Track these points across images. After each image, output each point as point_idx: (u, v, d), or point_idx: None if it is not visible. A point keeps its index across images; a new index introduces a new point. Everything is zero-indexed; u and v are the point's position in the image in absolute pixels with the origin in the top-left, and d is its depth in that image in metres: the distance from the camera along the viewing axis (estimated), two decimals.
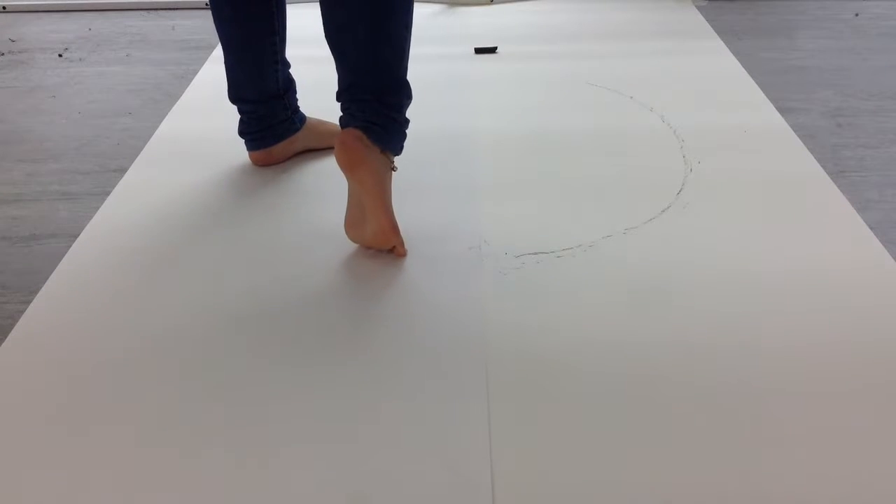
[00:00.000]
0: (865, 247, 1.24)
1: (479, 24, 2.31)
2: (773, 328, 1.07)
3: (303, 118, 1.50)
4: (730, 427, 0.92)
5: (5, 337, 1.07)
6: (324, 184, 1.43)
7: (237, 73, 1.40)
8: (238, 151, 1.50)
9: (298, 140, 1.50)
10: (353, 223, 1.20)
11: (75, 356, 1.04)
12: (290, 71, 1.45)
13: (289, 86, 1.44)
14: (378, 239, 1.18)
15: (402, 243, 1.20)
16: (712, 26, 2.24)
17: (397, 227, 1.18)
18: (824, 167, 1.47)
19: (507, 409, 0.94)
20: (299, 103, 1.49)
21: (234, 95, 1.42)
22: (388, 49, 1.13)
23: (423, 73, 1.94)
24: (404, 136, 1.19)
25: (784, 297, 1.13)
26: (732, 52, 2.04)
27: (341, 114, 1.16)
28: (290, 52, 1.44)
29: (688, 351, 1.03)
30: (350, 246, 1.25)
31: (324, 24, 1.14)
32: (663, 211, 1.34)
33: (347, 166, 1.13)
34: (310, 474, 0.86)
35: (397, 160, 1.20)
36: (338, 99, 1.17)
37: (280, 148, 1.48)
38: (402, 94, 1.17)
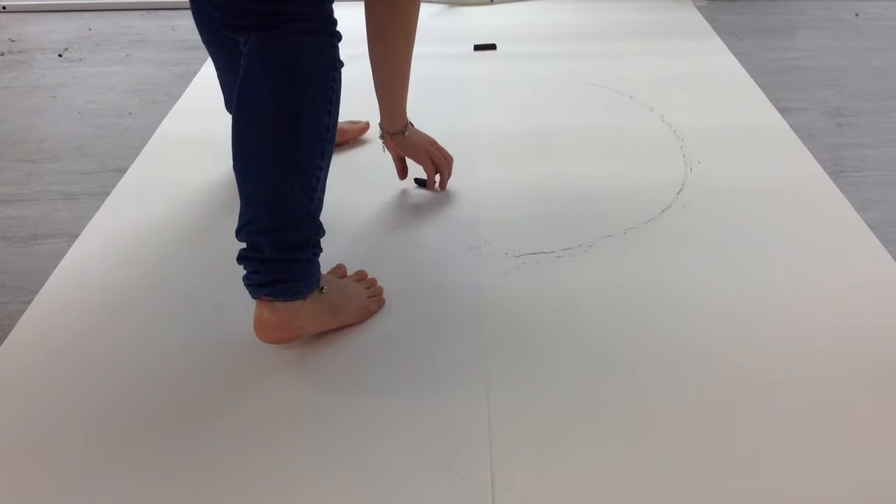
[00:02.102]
0: (865, 247, 1.24)
1: (479, 24, 2.31)
2: (773, 328, 1.07)
3: None
4: (730, 427, 0.92)
5: (5, 337, 1.07)
6: None
7: (229, 87, 1.39)
8: None
9: None
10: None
11: (75, 356, 1.04)
12: None
13: None
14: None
15: (377, 306, 1.11)
16: (712, 26, 2.24)
17: (371, 310, 1.10)
18: (824, 167, 1.47)
19: (507, 409, 0.94)
20: None
21: (229, 106, 1.42)
22: (298, 180, 0.96)
23: (423, 73, 1.94)
24: (317, 266, 1.03)
25: (784, 296, 1.13)
26: (732, 52, 2.04)
27: (239, 264, 0.99)
28: None
29: (688, 350, 1.03)
30: (348, 246, 1.25)
31: (232, 154, 0.99)
32: (663, 211, 1.34)
33: (278, 343, 1.02)
34: (309, 474, 0.87)
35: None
36: (236, 236, 0.99)
37: None
38: (310, 230, 1.00)
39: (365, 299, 1.10)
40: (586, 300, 1.13)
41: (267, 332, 0.99)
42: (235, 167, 0.99)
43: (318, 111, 0.98)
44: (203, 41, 1.35)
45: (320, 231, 1.02)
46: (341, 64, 1.01)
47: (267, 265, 0.97)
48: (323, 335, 1.06)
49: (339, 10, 1.02)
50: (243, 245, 0.99)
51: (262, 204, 0.96)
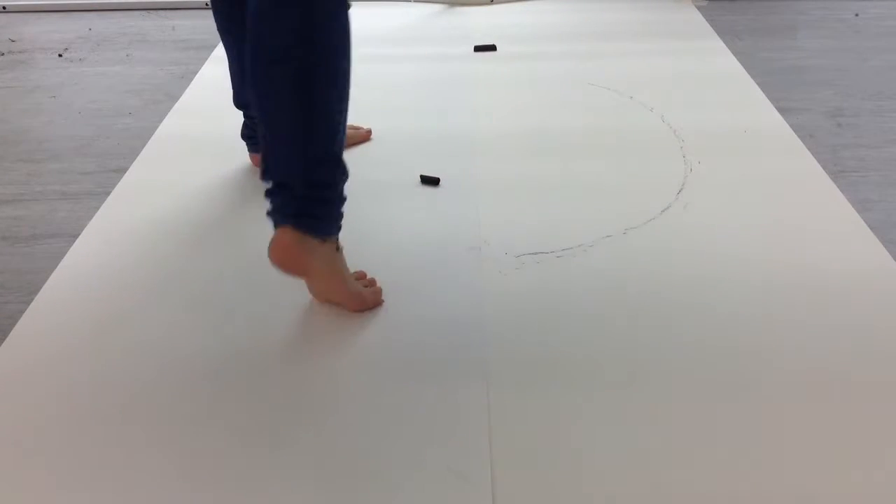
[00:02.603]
0: (865, 247, 1.24)
1: (479, 24, 2.31)
2: (774, 328, 1.07)
3: None
4: (730, 426, 0.92)
5: (5, 337, 1.07)
6: None
7: (238, 78, 1.40)
8: (238, 152, 1.50)
9: None
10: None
11: (75, 356, 1.04)
12: None
13: None
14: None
15: (375, 301, 1.12)
16: (712, 26, 2.24)
17: (368, 303, 1.11)
18: (824, 167, 1.47)
19: (507, 409, 0.94)
20: None
21: (237, 100, 1.43)
22: (322, 124, 1.01)
23: (424, 73, 1.95)
24: (340, 215, 1.07)
25: (784, 296, 1.13)
26: (732, 52, 2.04)
27: (268, 205, 1.04)
28: None
29: (687, 350, 1.03)
30: (348, 246, 1.24)
31: (253, 95, 1.04)
32: (663, 211, 1.34)
33: (287, 270, 1.05)
34: (309, 474, 0.87)
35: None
36: (261, 177, 1.04)
37: None
38: (337, 170, 1.04)
39: (363, 289, 1.12)
40: (586, 300, 1.13)
41: (279, 254, 1.03)
42: (259, 112, 1.03)
43: (336, 53, 0.99)
44: (218, 28, 1.36)
45: (345, 173, 1.06)
46: (349, 6, 1.01)
47: (295, 200, 1.01)
48: (324, 334, 1.06)
49: None
50: (268, 186, 1.03)
51: (287, 149, 1.01)
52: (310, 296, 1.11)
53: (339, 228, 1.07)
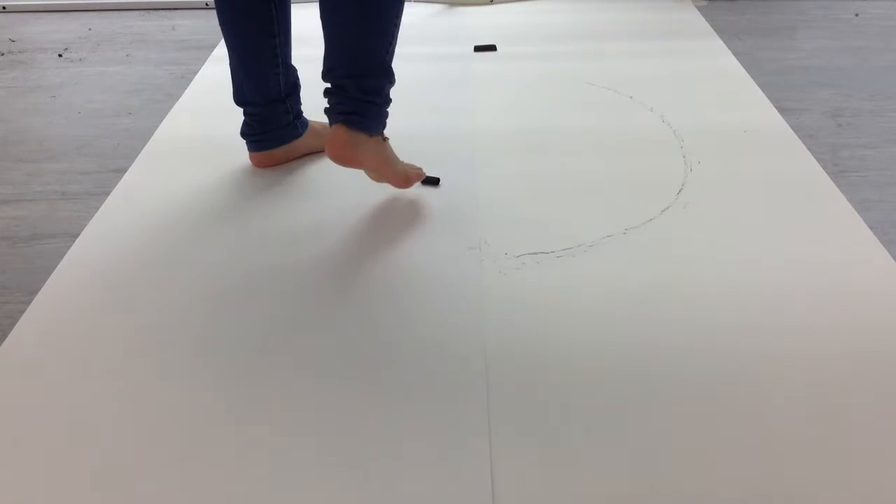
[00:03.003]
0: (865, 247, 1.24)
1: (479, 24, 2.31)
2: (774, 328, 1.07)
3: (305, 123, 1.50)
4: (730, 426, 0.92)
5: (5, 337, 1.07)
6: (324, 184, 1.43)
7: (239, 75, 1.40)
8: (238, 152, 1.50)
9: (300, 145, 1.50)
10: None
11: (75, 356, 1.04)
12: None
13: (292, 90, 1.44)
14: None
15: (418, 176, 1.35)
16: (712, 26, 2.24)
17: (412, 180, 1.33)
18: (824, 167, 1.47)
19: (507, 409, 0.94)
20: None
21: (238, 97, 1.43)
22: (378, 37, 1.18)
23: (424, 73, 1.95)
24: (386, 115, 1.26)
25: (784, 297, 1.13)
26: (732, 52, 2.04)
27: (325, 97, 1.23)
28: (292, 52, 1.44)
29: (688, 351, 1.03)
30: (348, 245, 1.25)
31: (319, 5, 1.20)
32: (663, 211, 1.34)
33: (342, 163, 1.24)
34: (309, 474, 0.87)
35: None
36: (323, 78, 1.23)
37: (281, 151, 1.48)
38: (385, 78, 1.22)
39: (407, 170, 1.32)
40: (586, 300, 1.13)
41: (335, 149, 1.23)
42: (322, 19, 1.19)
43: None
44: (219, 22, 1.36)
45: (393, 79, 1.23)
46: None
47: (349, 101, 1.20)
48: (323, 334, 1.06)
49: None
50: (328, 85, 1.22)
51: (346, 56, 1.19)
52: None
53: (384, 125, 1.26)
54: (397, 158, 1.31)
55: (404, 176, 1.32)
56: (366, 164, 1.26)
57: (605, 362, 1.02)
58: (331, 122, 1.23)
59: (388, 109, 1.26)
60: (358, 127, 1.22)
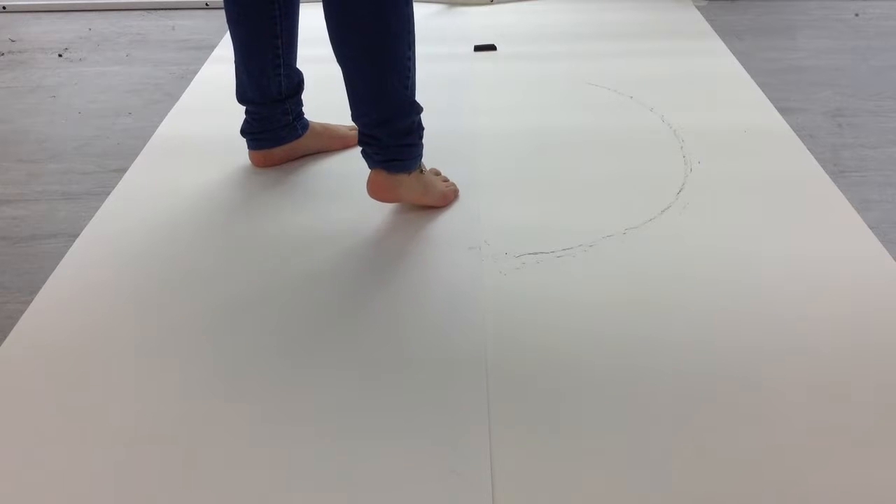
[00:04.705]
0: (865, 247, 1.24)
1: (479, 24, 2.31)
2: (773, 328, 1.07)
3: (306, 125, 1.49)
4: (730, 426, 0.92)
5: (5, 337, 1.07)
6: (324, 185, 1.43)
7: (242, 73, 1.40)
8: (238, 152, 1.50)
9: (300, 146, 1.50)
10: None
11: (75, 356, 1.04)
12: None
13: (294, 92, 1.43)
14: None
15: (456, 194, 1.38)
16: (712, 26, 2.24)
17: (449, 198, 1.36)
18: (824, 167, 1.47)
19: (507, 409, 0.94)
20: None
21: (240, 95, 1.43)
22: (395, 76, 1.17)
23: (424, 73, 1.93)
24: (421, 147, 1.28)
25: (784, 296, 1.13)
26: (732, 52, 2.04)
27: (359, 145, 1.27)
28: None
29: (688, 350, 1.03)
30: (349, 246, 1.25)
31: (334, 52, 1.19)
32: (663, 211, 1.34)
33: (385, 201, 1.31)
34: (309, 474, 0.87)
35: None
36: (353, 121, 1.25)
37: (280, 151, 1.48)
38: (412, 114, 1.23)
39: (444, 189, 1.36)
40: (586, 300, 1.13)
41: (377, 193, 1.28)
42: (342, 68, 1.19)
43: (398, 4, 1.13)
44: (227, 20, 1.36)
45: (419, 109, 1.25)
46: None
47: (385, 150, 1.23)
48: (323, 334, 1.06)
49: None
50: (361, 131, 1.25)
51: (369, 102, 1.20)
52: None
53: (420, 159, 1.29)
54: (433, 180, 1.34)
55: (442, 197, 1.35)
56: (405, 199, 1.31)
57: (605, 361, 1.02)
58: (370, 166, 1.27)
59: (423, 140, 1.28)
60: (397, 171, 1.25)
